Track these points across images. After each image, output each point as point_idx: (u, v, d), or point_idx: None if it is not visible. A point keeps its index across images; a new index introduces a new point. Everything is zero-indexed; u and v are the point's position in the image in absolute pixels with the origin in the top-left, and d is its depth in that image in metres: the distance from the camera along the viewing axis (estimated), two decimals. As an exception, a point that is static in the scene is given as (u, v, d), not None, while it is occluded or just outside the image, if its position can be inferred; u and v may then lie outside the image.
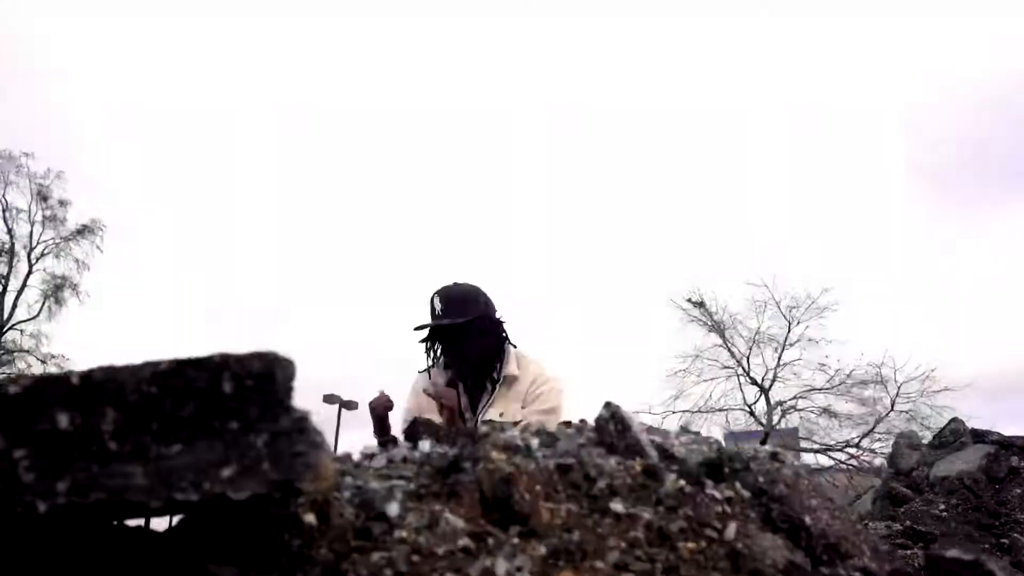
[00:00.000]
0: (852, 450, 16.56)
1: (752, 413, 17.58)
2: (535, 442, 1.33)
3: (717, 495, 1.33)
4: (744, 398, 17.80)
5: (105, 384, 0.96)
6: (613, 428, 1.41)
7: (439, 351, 3.59)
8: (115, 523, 1.14)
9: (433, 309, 3.46)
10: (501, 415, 3.48)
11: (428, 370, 3.58)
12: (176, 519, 1.14)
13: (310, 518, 1.08)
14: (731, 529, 1.26)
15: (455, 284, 3.56)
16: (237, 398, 0.98)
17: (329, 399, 23.01)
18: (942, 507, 5.42)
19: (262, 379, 0.99)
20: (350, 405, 23.78)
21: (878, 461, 15.55)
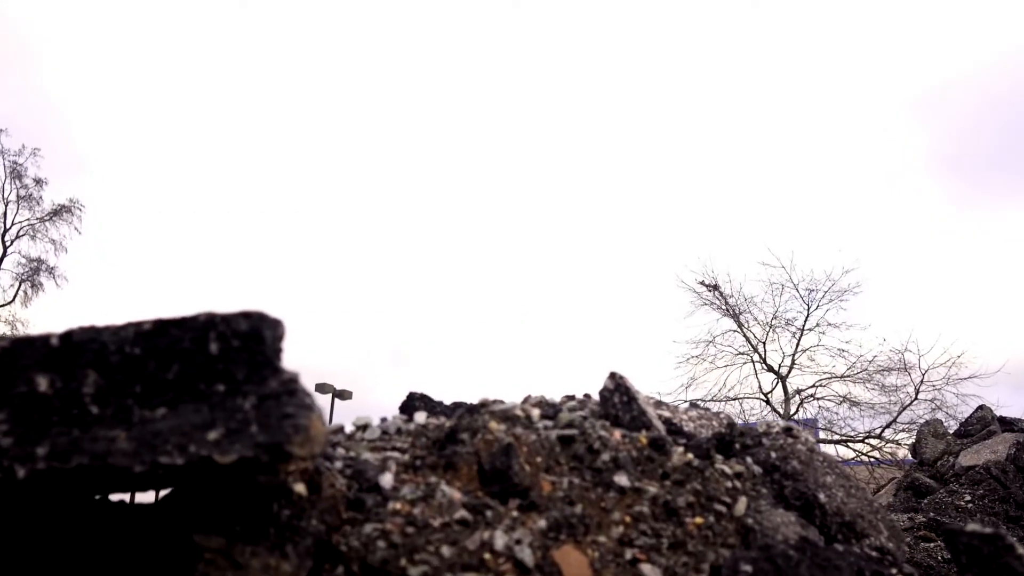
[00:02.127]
0: (874, 441, 16.59)
1: (768, 402, 17.58)
2: (536, 413, 1.34)
3: (727, 470, 1.34)
4: (760, 386, 17.80)
5: (86, 345, 0.97)
6: (618, 400, 1.41)
7: None
8: (99, 497, 1.16)
9: None
10: None
11: None
12: (163, 494, 1.16)
13: (300, 488, 1.10)
14: (741, 504, 1.27)
15: None
16: (223, 359, 0.98)
17: (322, 388, 23.08)
18: (967, 498, 5.44)
19: (249, 339, 0.99)
20: (344, 395, 23.86)
21: (901, 453, 15.58)
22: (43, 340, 0.98)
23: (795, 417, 16.98)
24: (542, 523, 1.15)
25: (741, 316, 18.20)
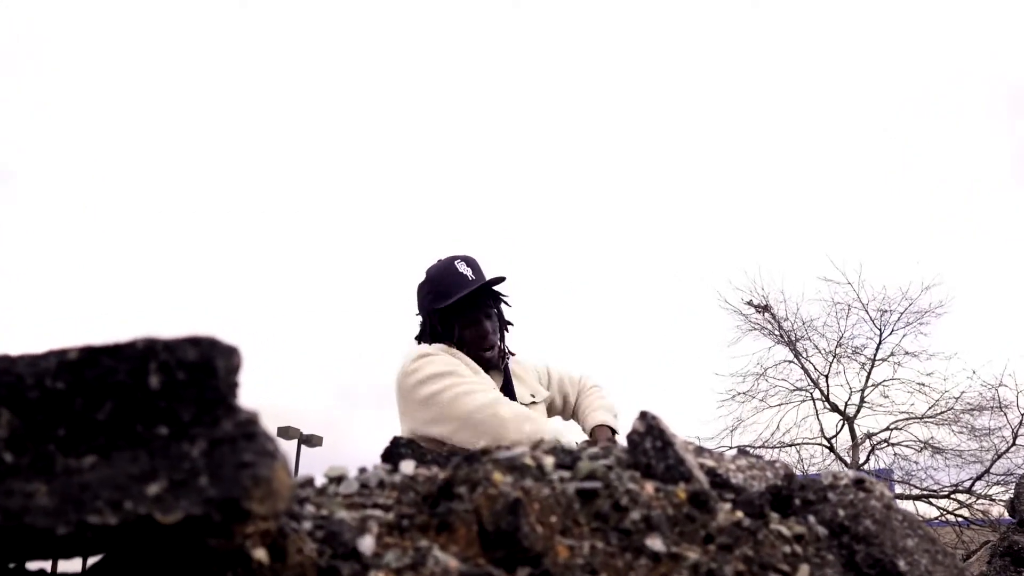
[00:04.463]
0: (962, 496, 16.48)
1: (832, 448, 17.46)
2: (549, 461, 1.34)
3: (784, 531, 1.34)
4: (822, 429, 17.68)
5: (-2, 378, 0.97)
6: (650, 445, 1.41)
7: (464, 323, 3.68)
8: (13, 566, 1.16)
9: (460, 276, 3.66)
10: (533, 398, 3.79)
11: (445, 347, 3.67)
12: (91, 562, 1.15)
13: (260, 554, 1.09)
14: (802, 573, 1.27)
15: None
16: (167, 395, 0.99)
17: (286, 433, 23.03)
18: (1079, 566, 5.40)
19: (198, 371, 1.00)
20: (312, 440, 23.82)
21: (996, 511, 15.48)
22: (-54, 372, 0.98)
23: (865, 467, 16.83)
24: (558, 598, 1.15)
25: (798, 344, 18.08)
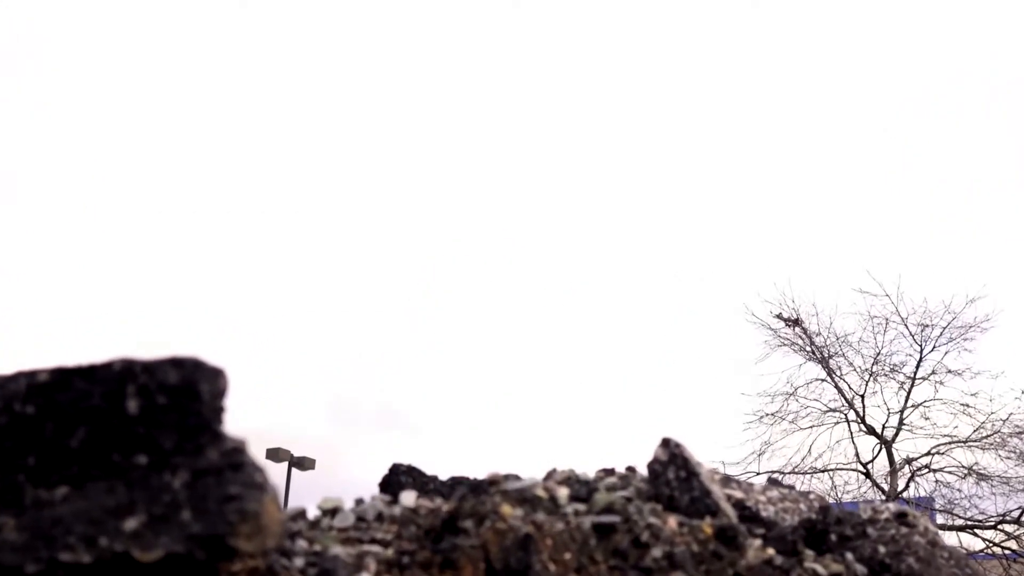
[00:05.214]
0: (1010, 527, 16.32)
1: (868, 475, 17.31)
2: (563, 493, 1.33)
3: (820, 570, 1.32)
4: (857, 454, 17.55)
5: (-36, 402, 0.96)
6: (673, 475, 1.39)
7: None
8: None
9: None
10: None
11: None
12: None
13: (248, 594, 1.08)
14: (840, 617, 1.25)
15: None
16: (146, 421, 0.98)
17: (276, 455, 22.96)
18: None
19: (181, 394, 0.99)
20: (304, 464, 23.77)
21: (1047, 543, 15.32)
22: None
23: (904, 495, 16.65)
24: (572, 642, 1.13)
25: (831, 360, 17.93)
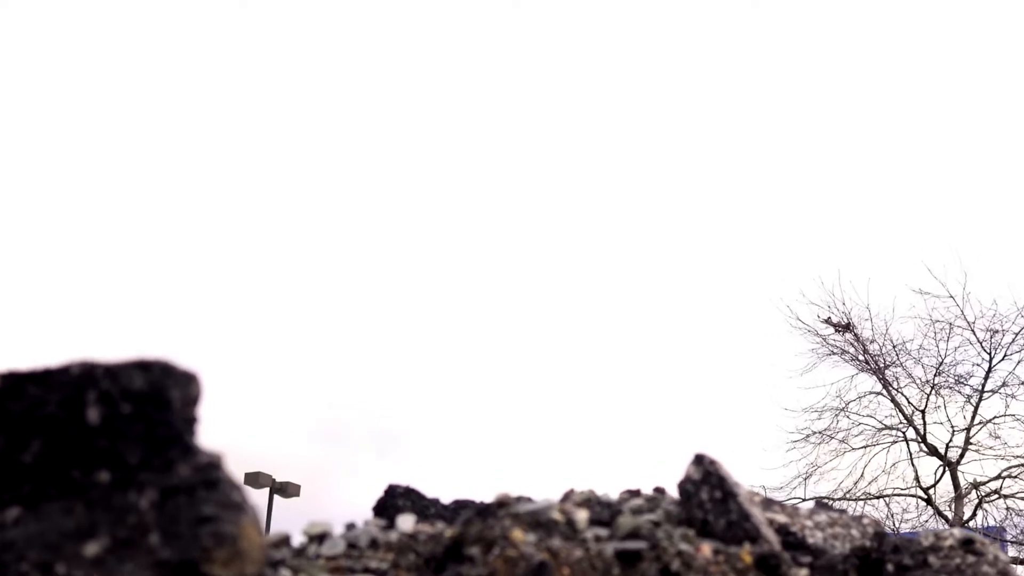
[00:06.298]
0: (1088, 559, 15.90)
1: (931, 501, 16.89)
2: (582, 516, 1.28)
3: (874, 603, 1.25)
4: (917, 477, 17.17)
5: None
6: (707, 496, 1.36)
7: None
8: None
9: None
10: None
11: None
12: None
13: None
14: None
15: None
16: (109, 432, 0.94)
17: (255, 480, 22.56)
18: None
19: (148, 402, 0.95)
20: (287, 490, 23.50)
21: None
22: None
23: (971, 524, 16.17)
24: None
25: (888, 371, 17.43)
